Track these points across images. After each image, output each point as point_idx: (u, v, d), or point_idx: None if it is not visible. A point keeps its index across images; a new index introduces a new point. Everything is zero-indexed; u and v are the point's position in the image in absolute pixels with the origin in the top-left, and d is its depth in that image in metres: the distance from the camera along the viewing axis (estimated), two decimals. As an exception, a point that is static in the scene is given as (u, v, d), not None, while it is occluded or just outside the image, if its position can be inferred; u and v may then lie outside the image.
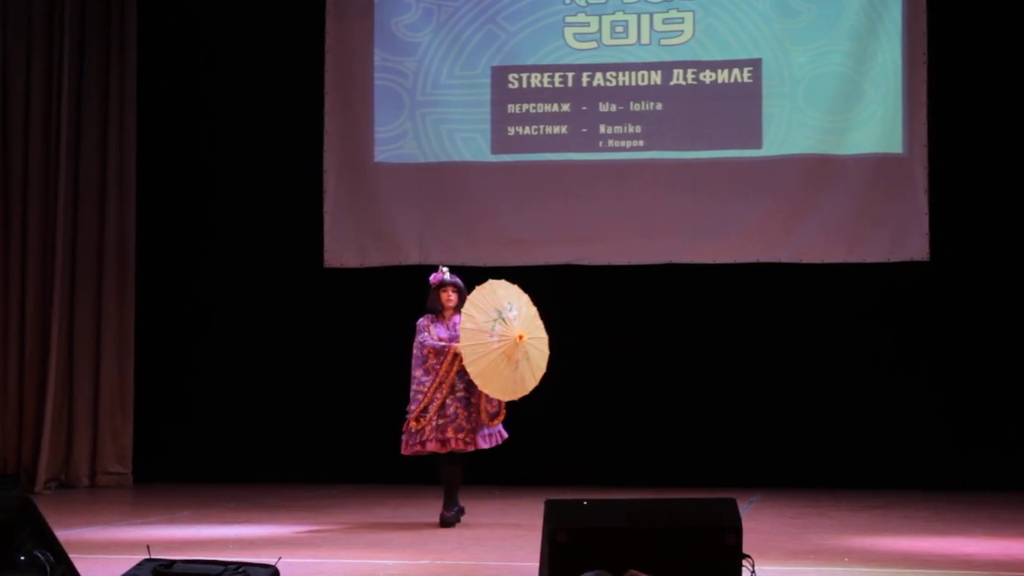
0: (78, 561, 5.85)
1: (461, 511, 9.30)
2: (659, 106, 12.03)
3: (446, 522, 9.11)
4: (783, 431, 11.83)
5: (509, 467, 11.84)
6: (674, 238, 11.96)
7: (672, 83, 12.00)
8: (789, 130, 11.79)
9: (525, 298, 9.21)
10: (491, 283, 9.17)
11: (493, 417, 9.18)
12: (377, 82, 12.39)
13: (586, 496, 5.54)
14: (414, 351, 9.24)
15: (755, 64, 11.88)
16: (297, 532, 8.85)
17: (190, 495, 11.32)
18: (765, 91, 11.82)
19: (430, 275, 9.38)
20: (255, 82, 12.72)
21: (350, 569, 7.06)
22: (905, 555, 7.60)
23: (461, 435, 9.07)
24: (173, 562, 5.59)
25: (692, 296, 12.10)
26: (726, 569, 5.21)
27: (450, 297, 9.27)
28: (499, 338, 8.94)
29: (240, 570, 5.39)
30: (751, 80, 11.87)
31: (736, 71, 11.91)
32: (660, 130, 12.01)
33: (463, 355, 8.91)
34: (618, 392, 12.10)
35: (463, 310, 9.02)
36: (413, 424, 9.11)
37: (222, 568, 5.44)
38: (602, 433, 12.05)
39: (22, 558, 5.37)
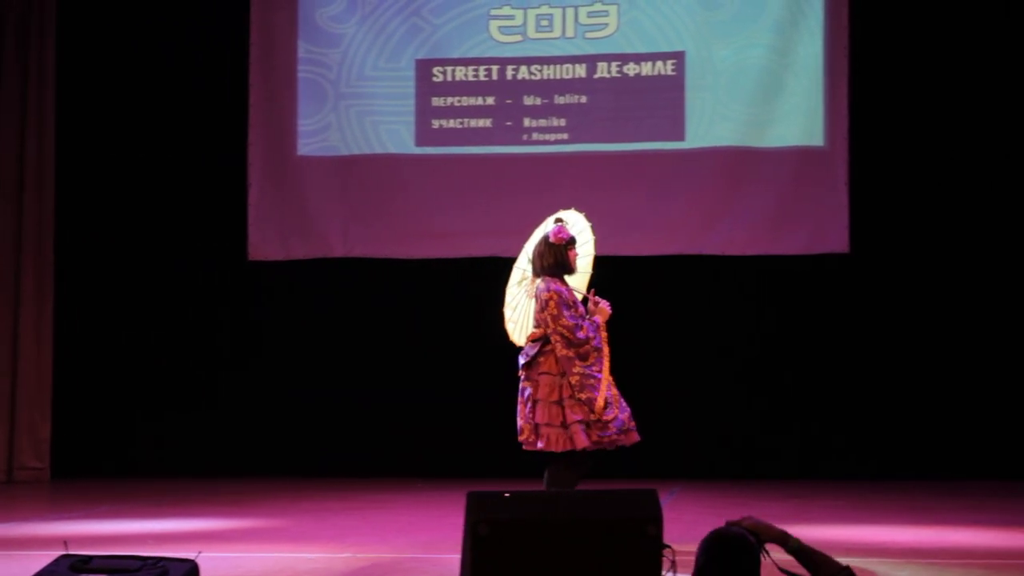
0: (-7, 556, 5.78)
1: None
2: (584, 99, 12.04)
3: None
4: (703, 424, 11.87)
5: (433, 459, 11.85)
6: (598, 230, 11.89)
7: (597, 76, 12.01)
8: (712, 122, 11.83)
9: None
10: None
11: None
12: (301, 74, 12.30)
13: (512, 488, 5.52)
14: (560, 326, 7.29)
15: (678, 57, 11.91)
16: (216, 526, 8.78)
17: (108, 490, 11.21)
18: (688, 83, 11.86)
19: (549, 229, 7.40)
20: (179, 73, 12.58)
21: (271, 563, 7.00)
22: (829, 543, 7.64)
23: (634, 422, 7.33)
24: (91, 557, 5.51)
25: (616, 288, 12.09)
26: (647, 558, 5.22)
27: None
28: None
29: (159, 565, 5.31)
30: (674, 72, 11.90)
31: (660, 63, 11.94)
32: (585, 123, 12.02)
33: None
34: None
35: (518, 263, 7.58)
36: (595, 416, 7.20)
37: (140, 563, 5.36)
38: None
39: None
